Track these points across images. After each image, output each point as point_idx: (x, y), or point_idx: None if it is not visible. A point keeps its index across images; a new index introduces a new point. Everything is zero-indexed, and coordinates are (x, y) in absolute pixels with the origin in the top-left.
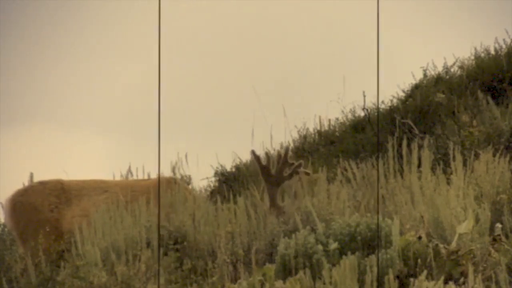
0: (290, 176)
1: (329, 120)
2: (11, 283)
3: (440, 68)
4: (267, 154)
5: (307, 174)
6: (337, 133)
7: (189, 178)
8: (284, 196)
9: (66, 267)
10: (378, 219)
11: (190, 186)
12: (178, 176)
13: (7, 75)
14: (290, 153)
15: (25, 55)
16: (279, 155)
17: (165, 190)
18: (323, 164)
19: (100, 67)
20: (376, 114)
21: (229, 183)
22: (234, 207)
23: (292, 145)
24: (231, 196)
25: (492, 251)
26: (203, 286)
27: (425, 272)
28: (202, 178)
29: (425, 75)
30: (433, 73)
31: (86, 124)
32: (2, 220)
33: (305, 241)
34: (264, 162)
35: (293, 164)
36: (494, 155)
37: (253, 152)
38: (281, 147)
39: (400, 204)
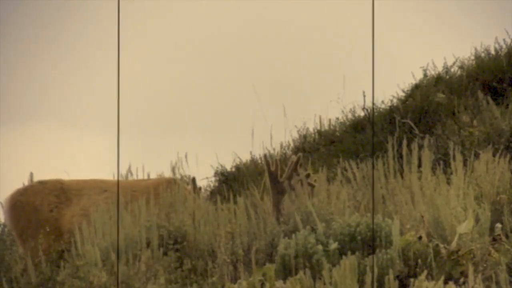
0: (292, 188)
1: (329, 120)
2: (11, 283)
3: (440, 68)
4: (276, 160)
5: (312, 186)
6: (337, 133)
7: (191, 179)
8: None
9: (66, 267)
10: (373, 218)
11: (189, 186)
12: (178, 176)
13: (7, 75)
14: (283, 152)
15: (25, 55)
16: (291, 162)
17: (165, 190)
18: (323, 164)
19: (100, 67)
20: (376, 114)
21: (229, 183)
22: (234, 207)
23: (292, 145)
24: (231, 196)
25: (492, 251)
26: (203, 286)
27: (425, 272)
28: (202, 178)
29: (425, 75)
30: (433, 73)
31: (86, 124)
32: (2, 220)
33: (305, 241)
34: (273, 168)
35: (298, 175)
36: (494, 155)
37: (264, 157)
38: (281, 147)
39: (400, 204)
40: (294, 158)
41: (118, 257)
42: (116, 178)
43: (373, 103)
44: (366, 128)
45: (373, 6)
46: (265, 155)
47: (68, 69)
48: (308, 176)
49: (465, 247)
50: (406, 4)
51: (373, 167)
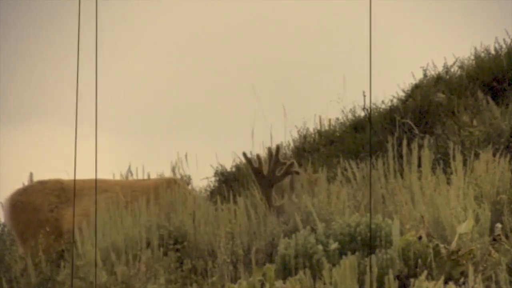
0: (283, 176)
1: (329, 120)
2: (11, 283)
3: (440, 68)
4: (258, 156)
5: (297, 173)
6: (337, 133)
7: (189, 178)
8: (284, 196)
9: (66, 267)
10: (371, 218)
11: (189, 186)
12: (178, 176)
13: (7, 74)
14: (282, 152)
15: (25, 55)
16: (270, 154)
17: (165, 190)
18: (323, 164)
19: (101, 66)
20: (376, 114)
21: (229, 183)
22: (234, 207)
23: (292, 145)
24: (231, 196)
25: (492, 251)
26: (203, 286)
27: (425, 272)
28: (202, 178)
29: (425, 75)
30: (433, 73)
31: (86, 123)
32: (2, 220)
33: (305, 241)
34: (255, 164)
35: (285, 163)
36: (494, 155)
37: (244, 155)
38: (281, 147)
39: (400, 204)
40: (273, 150)
41: (96, 264)
42: (117, 178)
43: (370, 102)
44: (366, 128)
45: (370, 6)
46: (244, 153)
47: (68, 69)
48: (292, 164)
49: (465, 247)
50: (407, 4)
51: (370, 167)
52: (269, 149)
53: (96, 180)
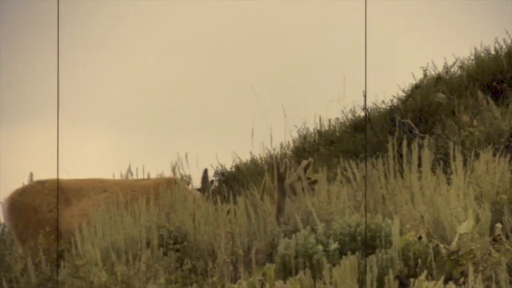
0: (302, 190)
1: (329, 120)
2: (11, 283)
3: (440, 68)
4: (286, 162)
5: (313, 189)
6: (337, 133)
7: (189, 178)
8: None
9: (66, 267)
10: (366, 218)
11: (190, 186)
12: (178, 176)
13: (7, 74)
14: (282, 152)
15: (24, 54)
16: (301, 167)
17: (165, 190)
18: (323, 164)
19: (101, 66)
20: (376, 114)
21: (229, 183)
22: (234, 207)
23: (292, 145)
24: (231, 196)
25: (492, 251)
26: (203, 286)
27: (425, 272)
28: None
29: (425, 75)
30: (433, 73)
31: (86, 123)
32: (2, 220)
33: (305, 241)
34: (281, 169)
35: (309, 179)
36: (494, 155)
37: (275, 159)
38: (281, 147)
39: (400, 204)
40: (304, 163)
41: (57, 266)
42: (116, 178)
43: (365, 102)
44: (366, 128)
45: (366, 6)
46: (276, 157)
47: (69, 68)
48: (315, 182)
49: (465, 247)
50: (406, 4)
51: (366, 167)
52: (303, 163)
53: (57, 180)
